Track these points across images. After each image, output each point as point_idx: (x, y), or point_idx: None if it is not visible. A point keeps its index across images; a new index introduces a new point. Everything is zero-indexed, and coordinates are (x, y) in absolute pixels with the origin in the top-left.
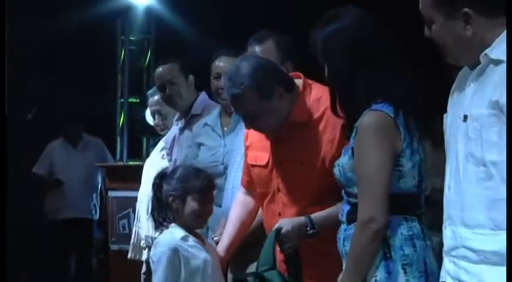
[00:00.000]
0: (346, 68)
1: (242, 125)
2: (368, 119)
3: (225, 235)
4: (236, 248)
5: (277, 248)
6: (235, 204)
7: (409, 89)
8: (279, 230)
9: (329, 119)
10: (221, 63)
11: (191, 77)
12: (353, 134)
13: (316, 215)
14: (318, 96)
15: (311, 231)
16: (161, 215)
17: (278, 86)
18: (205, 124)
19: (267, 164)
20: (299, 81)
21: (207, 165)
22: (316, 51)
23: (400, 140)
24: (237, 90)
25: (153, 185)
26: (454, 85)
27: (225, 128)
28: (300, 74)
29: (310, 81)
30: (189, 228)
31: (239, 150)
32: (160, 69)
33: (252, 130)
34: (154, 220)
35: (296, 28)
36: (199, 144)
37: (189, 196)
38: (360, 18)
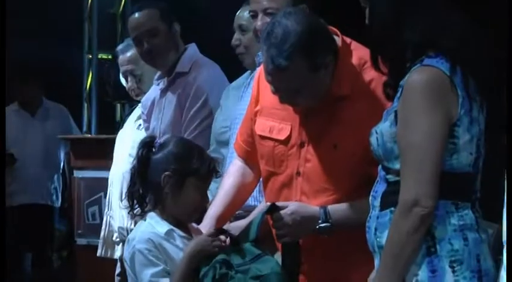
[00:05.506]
0: (393, 10)
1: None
2: (418, 76)
3: (216, 203)
4: (226, 221)
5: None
6: (231, 172)
7: (470, 40)
8: (273, 205)
9: (377, 92)
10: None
11: (176, 26)
12: (398, 95)
13: (336, 207)
14: (361, 62)
15: (323, 225)
16: (143, 197)
17: (328, 54)
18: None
19: (288, 139)
20: (337, 40)
21: (219, 131)
22: None
23: (457, 105)
24: (285, 61)
25: (138, 156)
26: None
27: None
28: (335, 29)
29: (348, 40)
30: (176, 218)
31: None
32: (135, 16)
33: (264, 92)
34: (133, 202)
35: None
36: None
37: (189, 180)
38: None
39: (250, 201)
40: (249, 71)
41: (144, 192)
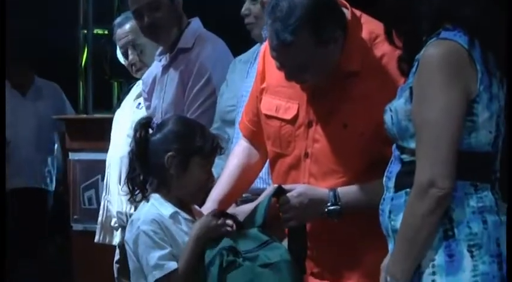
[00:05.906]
0: None
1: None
2: (434, 50)
3: (219, 184)
4: (231, 203)
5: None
6: (236, 153)
7: (489, 11)
8: (280, 188)
9: (389, 68)
10: None
11: None
12: (413, 70)
13: (346, 189)
14: (372, 36)
15: (331, 208)
16: (144, 182)
17: (337, 28)
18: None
19: (295, 119)
20: (346, 13)
21: (225, 109)
22: None
23: (476, 80)
24: (290, 36)
25: (136, 138)
26: None
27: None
28: (344, 1)
29: (358, 13)
30: (180, 200)
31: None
32: None
33: (270, 68)
34: (133, 188)
35: None
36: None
37: (193, 160)
38: None
39: (259, 184)
40: (258, 44)
41: (145, 176)
